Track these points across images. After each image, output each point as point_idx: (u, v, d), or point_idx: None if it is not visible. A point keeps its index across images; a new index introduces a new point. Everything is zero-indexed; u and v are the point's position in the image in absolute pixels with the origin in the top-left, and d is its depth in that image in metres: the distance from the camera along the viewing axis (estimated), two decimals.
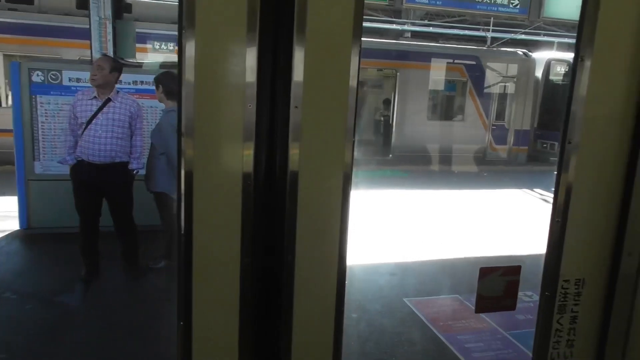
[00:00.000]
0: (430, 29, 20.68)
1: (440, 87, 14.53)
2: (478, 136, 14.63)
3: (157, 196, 5.29)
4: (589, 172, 1.91)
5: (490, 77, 14.57)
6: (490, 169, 14.20)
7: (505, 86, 14.76)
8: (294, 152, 1.60)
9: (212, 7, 1.47)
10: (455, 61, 14.16)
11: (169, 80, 5.38)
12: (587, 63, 1.82)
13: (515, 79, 14.58)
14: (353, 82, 1.61)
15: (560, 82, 15.30)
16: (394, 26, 18.92)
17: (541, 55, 15.59)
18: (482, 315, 4.81)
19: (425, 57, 13.84)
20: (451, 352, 4.21)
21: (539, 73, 15.48)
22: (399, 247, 6.71)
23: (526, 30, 19.15)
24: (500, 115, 14.84)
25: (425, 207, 9.20)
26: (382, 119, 15.31)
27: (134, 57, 6.93)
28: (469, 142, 14.40)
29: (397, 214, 8.50)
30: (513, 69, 14.59)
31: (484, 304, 2.09)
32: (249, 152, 1.57)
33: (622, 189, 1.96)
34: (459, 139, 14.28)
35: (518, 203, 10.11)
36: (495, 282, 2.04)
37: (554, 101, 15.29)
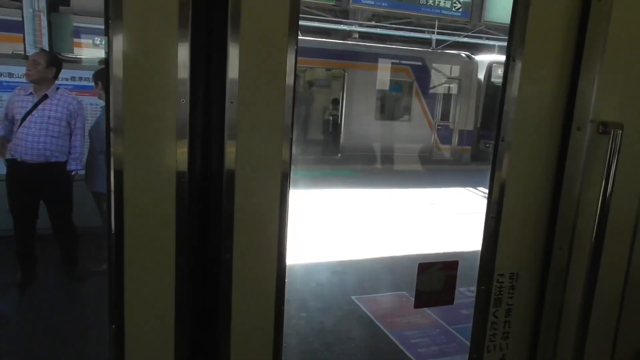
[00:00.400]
0: (378, 30, 21.02)
1: (388, 87, 14.76)
2: (424, 136, 14.97)
3: (97, 197, 5.10)
4: (521, 169, 1.97)
5: (435, 79, 14.94)
6: (436, 168, 14.57)
7: (449, 87, 15.16)
8: (230, 149, 1.57)
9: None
10: (402, 62, 14.42)
11: None
12: (518, 63, 1.87)
13: (458, 81, 14.99)
14: (290, 80, 1.60)
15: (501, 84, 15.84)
16: (341, 27, 19.09)
17: (483, 58, 16.12)
18: (428, 311, 4.92)
19: (372, 57, 14.03)
20: (397, 348, 4.28)
21: (481, 75, 16.01)
22: (346, 246, 6.75)
23: (469, 34, 19.77)
24: (445, 115, 15.23)
25: (372, 205, 9.31)
26: (331, 118, 15.39)
27: (72, 52, 6.64)
28: (415, 142, 14.71)
29: (345, 213, 8.56)
30: (456, 71, 15.02)
31: (423, 299, 2.13)
32: (183, 150, 1.53)
33: (553, 185, 2.02)
34: (405, 139, 14.56)
35: (461, 201, 10.40)
36: (434, 277, 2.08)
37: (496, 102, 15.80)
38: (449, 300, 2.12)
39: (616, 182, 1.88)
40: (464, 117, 15.25)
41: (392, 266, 6.17)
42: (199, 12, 1.50)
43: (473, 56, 15.45)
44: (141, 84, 1.47)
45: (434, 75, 14.89)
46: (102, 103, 5.21)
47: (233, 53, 1.52)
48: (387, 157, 14.06)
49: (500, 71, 15.98)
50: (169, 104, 1.49)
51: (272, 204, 1.65)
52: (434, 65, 14.86)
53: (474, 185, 11.78)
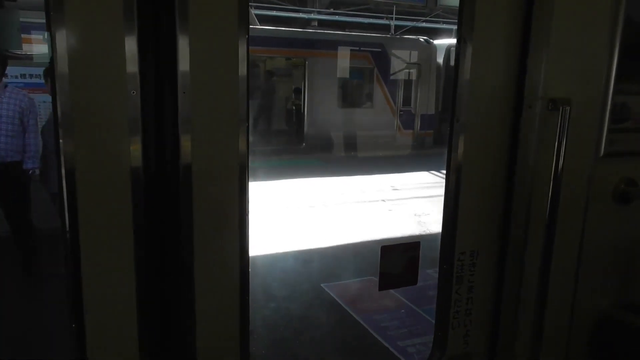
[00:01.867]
0: (337, 18, 20.98)
1: (348, 74, 14.78)
2: (387, 122, 15.09)
3: (53, 197, 4.97)
4: (476, 148, 2.00)
5: (395, 64, 15.04)
6: (400, 153, 14.73)
7: (409, 72, 15.29)
8: (185, 142, 1.54)
9: None
10: (361, 49, 14.46)
11: None
12: (469, 45, 1.89)
13: (418, 65, 15.14)
14: (243, 69, 1.57)
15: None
16: (300, 15, 18.98)
17: (441, 42, 16.32)
18: (397, 294, 4.99)
19: (332, 45, 14.01)
20: (367, 332, 4.34)
21: (440, 59, 16.21)
22: (312, 235, 6.78)
23: (427, 19, 19.96)
24: (406, 100, 15.37)
25: (336, 193, 9.36)
26: (294, 108, 15.35)
27: (20, 48, 6.40)
28: (378, 128, 14.81)
29: (310, 202, 8.58)
30: (415, 56, 15.15)
31: (387, 281, 2.17)
32: (136, 144, 1.49)
33: (507, 163, 2.06)
34: (368, 125, 14.64)
35: (423, 184, 10.56)
36: (397, 260, 2.11)
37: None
38: (413, 280, 2.16)
39: (567, 156, 1.92)
40: (425, 102, 15.43)
41: (358, 252, 6.23)
42: (145, 2, 1.47)
43: (431, 41, 15.61)
44: (88, 78, 1.42)
45: (393, 61, 14.98)
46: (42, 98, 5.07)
47: (183, 43, 1.49)
48: (352, 145, 14.12)
49: None
50: (119, 97, 1.46)
51: (231, 196, 1.62)
52: (393, 51, 14.95)
53: (437, 168, 11.99)
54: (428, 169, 11.95)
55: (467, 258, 2.08)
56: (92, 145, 1.46)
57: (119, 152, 1.49)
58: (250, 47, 1.58)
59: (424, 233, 7.01)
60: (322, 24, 19.79)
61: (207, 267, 1.64)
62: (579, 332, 2.26)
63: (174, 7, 1.47)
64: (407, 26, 20.16)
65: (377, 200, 8.84)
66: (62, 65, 1.38)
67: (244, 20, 1.55)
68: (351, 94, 15.13)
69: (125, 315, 1.58)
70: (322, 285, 5.16)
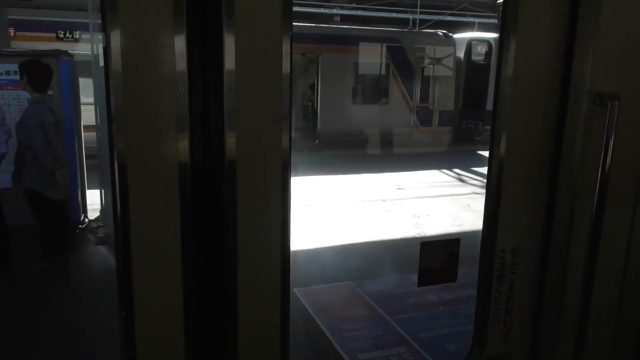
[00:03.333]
0: (360, 13, 20.65)
1: (364, 70, 14.47)
2: (403, 118, 14.72)
3: (26, 194, 4.93)
4: (519, 144, 1.97)
5: (412, 59, 14.64)
6: (416, 150, 14.35)
7: (427, 68, 14.86)
8: (230, 138, 1.58)
9: None
10: (377, 44, 14.12)
11: (34, 69, 4.98)
12: (512, 39, 1.85)
13: (436, 60, 14.70)
14: (286, 65, 1.59)
15: (482, 62, 15.60)
16: (322, 10, 18.73)
17: (462, 36, 15.82)
18: (372, 301, 4.75)
19: (346, 40, 13.72)
20: (329, 343, 4.12)
21: (460, 54, 15.72)
22: (299, 236, 6.58)
23: (452, 12, 19.41)
24: (424, 96, 14.95)
25: (340, 191, 9.13)
26: (309, 104, 15.14)
27: (8, 45, 6.41)
28: (394, 125, 14.47)
29: (308, 201, 8.37)
30: (434, 50, 14.70)
31: (426, 278, 2.11)
32: (184, 139, 1.54)
33: (551, 159, 2.01)
34: (384, 122, 14.32)
35: (431, 184, 10.20)
36: (436, 256, 2.08)
37: (477, 81, 15.57)
38: (452, 277, 2.11)
39: (615, 153, 1.86)
40: (444, 98, 14.97)
41: (343, 255, 6.01)
42: (194, 2, 1.51)
43: (451, 34, 15.13)
44: (139, 76, 1.48)
45: (410, 55, 14.58)
46: (28, 96, 5.05)
47: (229, 41, 1.53)
48: (365, 142, 13.83)
49: (480, 49, 15.71)
50: (168, 94, 1.50)
51: (274, 192, 1.66)
52: (410, 45, 14.55)
53: (450, 167, 11.60)
54: (441, 168, 11.57)
55: (508, 256, 2.04)
56: (142, 140, 1.52)
57: (167, 148, 1.54)
58: None
59: (417, 236, 6.72)
60: (346, 19, 19.52)
61: (250, 261, 1.68)
62: (625, 334, 2.19)
63: (220, 6, 1.52)
64: (432, 20, 19.72)
65: (377, 200, 8.55)
66: (116, 64, 1.44)
67: (288, 18, 1.57)
68: (366, 90, 14.81)
69: (172, 303, 1.64)
70: (294, 290, 4.95)
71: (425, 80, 14.91)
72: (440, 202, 8.65)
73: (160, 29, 1.47)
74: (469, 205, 8.44)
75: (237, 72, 1.54)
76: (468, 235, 6.74)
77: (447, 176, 11.02)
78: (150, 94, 1.50)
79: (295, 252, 5.93)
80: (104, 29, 1.44)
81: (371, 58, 14.23)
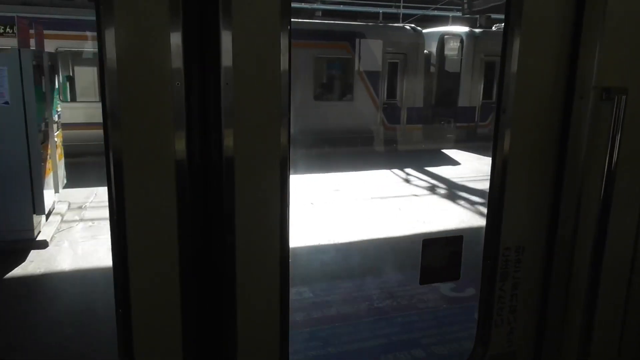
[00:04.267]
0: (341, 7, 20.18)
1: (326, 65, 13.96)
2: (369, 116, 14.20)
3: None
4: (524, 140, 1.93)
5: (377, 54, 14.10)
6: (380, 149, 13.84)
7: (395, 63, 14.32)
8: (228, 135, 1.56)
9: None
10: (340, 38, 13.62)
11: None
12: (517, 32, 1.83)
13: (403, 55, 14.15)
14: (285, 62, 1.57)
15: (454, 57, 15.03)
16: (303, 5, 18.30)
17: (434, 30, 15.27)
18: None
19: (307, 34, 13.25)
20: None
21: (433, 48, 15.18)
22: None
23: (438, 6, 18.84)
24: (391, 93, 14.42)
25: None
26: None
27: None
28: (359, 122, 13.96)
29: None
30: (401, 45, 14.15)
31: (429, 275, 2.09)
32: (180, 136, 1.53)
33: (557, 155, 1.98)
34: (348, 119, 13.81)
35: (371, 185, 9.69)
36: (438, 254, 2.04)
37: (449, 77, 15.02)
38: (455, 275, 2.07)
39: (622, 149, 1.84)
40: (413, 94, 14.43)
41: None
42: None
43: (419, 28, 14.56)
44: (135, 72, 1.47)
45: (376, 50, 14.05)
46: None
47: (226, 36, 1.51)
48: (327, 140, 13.35)
49: (453, 43, 15.14)
50: (164, 90, 1.49)
51: (273, 189, 1.64)
52: (376, 40, 14.02)
53: (403, 166, 11.10)
54: (392, 167, 11.06)
55: (512, 254, 2.02)
56: (138, 137, 1.50)
57: (164, 145, 1.53)
58: None
59: (329, 243, 6.27)
60: (328, 14, 19.06)
61: (249, 259, 1.66)
62: (631, 334, 2.16)
63: (217, 1, 1.50)
64: (417, 14, 19.15)
65: (305, 204, 8.08)
66: (110, 60, 1.43)
67: (286, 14, 1.55)
68: (328, 86, 14.30)
69: (170, 301, 1.62)
70: None
71: (393, 76, 14.38)
72: (373, 205, 8.17)
73: (156, 24, 1.46)
74: (400, 208, 7.95)
75: (235, 68, 1.53)
76: (365, 244, 6.28)
77: (395, 176, 10.51)
78: (146, 90, 1.49)
79: None
80: (98, 25, 1.42)
81: (334, 53, 13.72)
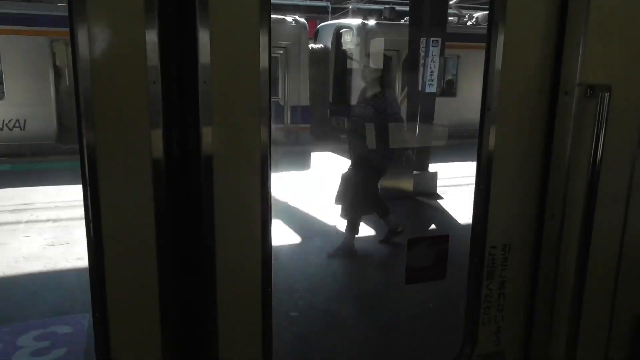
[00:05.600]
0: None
1: None
2: None
3: None
4: (509, 138, 1.96)
5: None
6: None
7: (275, 58, 13.13)
8: (206, 133, 1.55)
9: None
10: None
11: None
12: (501, 29, 1.85)
13: (284, 49, 12.96)
14: (264, 60, 1.58)
15: (349, 51, 13.90)
16: None
17: (329, 23, 14.10)
18: None
19: None
20: None
21: (328, 42, 14.03)
22: None
23: None
24: (273, 90, 13.26)
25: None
26: None
27: None
28: None
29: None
30: (280, 38, 12.96)
31: (414, 275, 2.11)
32: (157, 133, 1.52)
33: (542, 152, 2.00)
34: None
35: None
36: (425, 253, 2.06)
37: (343, 73, 13.87)
38: (441, 275, 2.11)
39: (606, 145, 1.86)
40: (296, 91, 13.23)
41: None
42: None
43: (302, 20, 13.29)
44: (109, 71, 1.45)
45: None
46: None
47: (203, 33, 1.51)
48: None
49: (348, 37, 13.98)
50: (140, 89, 1.48)
51: (253, 186, 1.64)
52: None
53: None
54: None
55: (499, 252, 2.03)
56: (112, 135, 1.49)
57: (139, 143, 1.52)
58: None
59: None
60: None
61: (229, 257, 1.66)
62: (618, 330, 2.18)
63: None
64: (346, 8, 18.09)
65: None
66: (84, 58, 1.42)
67: (266, 10, 1.57)
68: None
69: (148, 302, 1.60)
70: None
71: (272, 72, 13.21)
72: None
73: (131, 21, 1.44)
74: None
75: (213, 66, 1.52)
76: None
77: None
78: (121, 89, 1.47)
79: None
80: (71, 21, 1.39)
81: None
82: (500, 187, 1.96)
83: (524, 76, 1.90)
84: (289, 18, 13.27)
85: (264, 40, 1.54)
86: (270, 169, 1.63)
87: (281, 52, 12.99)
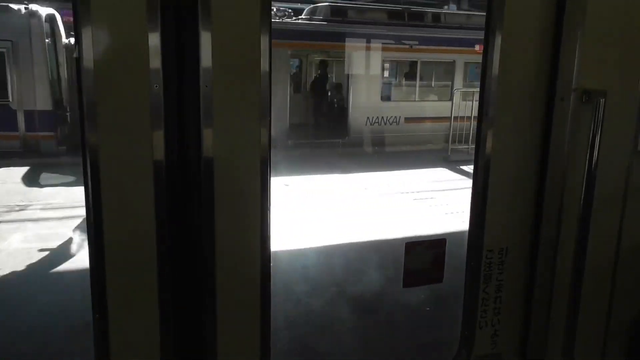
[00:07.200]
0: None
1: None
2: None
3: None
4: (505, 143, 1.95)
5: None
6: None
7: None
8: (207, 136, 1.56)
9: None
10: None
11: None
12: (498, 35, 1.86)
13: (9, 43, 10.90)
14: (265, 63, 1.58)
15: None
16: None
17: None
18: None
19: None
20: None
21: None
22: None
23: None
24: (1, 92, 11.03)
25: None
26: None
27: None
28: None
29: None
30: (5, 29, 10.88)
31: (412, 278, 2.08)
32: (158, 137, 1.53)
33: (539, 157, 2.00)
34: None
35: None
36: (421, 256, 2.03)
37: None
38: (439, 278, 2.08)
39: (602, 150, 1.87)
40: (33, 93, 11.24)
41: None
42: None
43: (37, 10, 11.37)
44: (112, 73, 1.46)
45: None
46: None
47: (205, 37, 1.51)
48: None
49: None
50: (142, 92, 1.49)
51: (253, 190, 1.64)
52: None
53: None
54: None
55: (496, 256, 2.04)
56: (115, 138, 1.49)
57: (141, 145, 1.52)
58: None
59: None
60: None
61: (229, 260, 1.66)
62: (615, 334, 2.19)
63: (196, 1, 1.50)
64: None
65: None
66: (88, 60, 1.42)
67: (267, 14, 1.56)
68: None
69: (148, 305, 1.60)
70: None
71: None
72: None
73: (134, 25, 1.45)
74: None
75: (214, 69, 1.52)
76: None
77: None
78: (124, 91, 1.48)
79: None
80: (76, 25, 1.40)
81: None
82: (497, 191, 1.97)
83: (521, 81, 1.93)
84: (17, 6, 11.16)
85: (264, 44, 1.55)
86: (270, 172, 1.64)
87: (5, 47, 10.89)
